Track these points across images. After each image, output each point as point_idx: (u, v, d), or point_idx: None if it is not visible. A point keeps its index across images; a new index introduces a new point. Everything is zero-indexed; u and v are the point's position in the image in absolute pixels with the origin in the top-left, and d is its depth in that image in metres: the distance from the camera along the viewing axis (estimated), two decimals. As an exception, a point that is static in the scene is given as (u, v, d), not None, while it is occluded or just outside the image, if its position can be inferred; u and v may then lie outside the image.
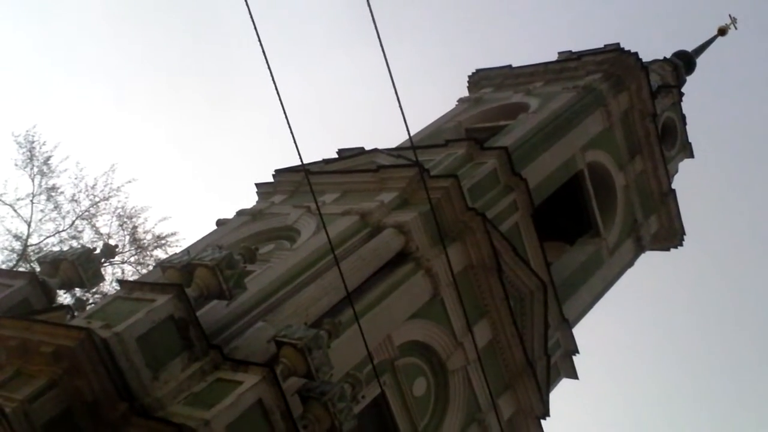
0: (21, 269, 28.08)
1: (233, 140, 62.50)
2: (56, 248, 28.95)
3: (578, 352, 19.72)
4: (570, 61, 23.18)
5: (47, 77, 57.86)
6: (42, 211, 32.04)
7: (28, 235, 31.52)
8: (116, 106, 60.60)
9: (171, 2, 58.40)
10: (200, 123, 63.18)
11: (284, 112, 9.45)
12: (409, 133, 10.56)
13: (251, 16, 8.91)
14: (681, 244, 23.96)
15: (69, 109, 55.44)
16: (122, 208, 32.57)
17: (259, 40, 9.04)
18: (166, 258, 14.07)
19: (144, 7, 57.45)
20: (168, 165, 61.15)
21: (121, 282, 13.03)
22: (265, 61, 9.13)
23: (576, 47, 24.03)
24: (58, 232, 31.87)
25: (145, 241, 32.58)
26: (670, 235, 23.66)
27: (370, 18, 9.28)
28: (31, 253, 30.84)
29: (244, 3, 8.87)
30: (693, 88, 26.64)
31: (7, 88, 52.61)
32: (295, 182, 19.31)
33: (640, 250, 22.53)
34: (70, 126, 53.73)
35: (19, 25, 52.19)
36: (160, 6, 58.13)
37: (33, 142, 32.32)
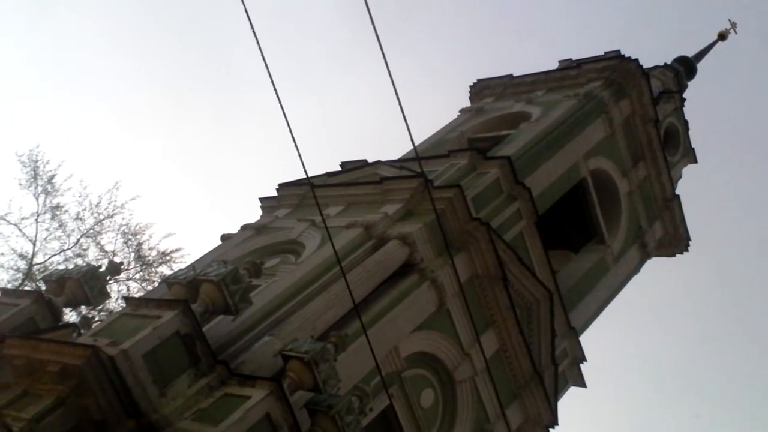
0: (26, 288, 28.11)
1: (237, 155, 62.65)
2: (61, 266, 28.96)
3: (586, 360, 19.68)
4: (571, 69, 23.22)
5: (50, 96, 58.14)
6: (47, 229, 32.09)
7: (33, 254, 31.57)
8: (120, 124, 60.76)
9: (174, 18, 58.62)
10: (203, 138, 63.37)
11: (288, 125, 9.47)
12: (413, 144, 10.58)
13: (253, 30, 8.95)
14: (686, 250, 23.92)
15: (72, 127, 55.66)
16: (127, 225, 32.62)
17: (261, 53, 9.08)
18: (172, 274, 14.08)
19: (147, 24, 57.72)
20: (172, 181, 61.20)
21: (127, 299, 13.04)
22: (267, 73, 9.16)
23: (576, 55, 24.10)
24: (63, 250, 31.91)
25: (150, 257, 32.61)
26: (675, 241, 23.63)
27: (372, 31, 9.31)
28: (37, 272, 30.86)
29: (247, 18, 8.91)
30: (694, 93, 26.70)
31: (9, 107, 52.77)
32: (299, 196, 19.34)
33: (645, 256, 22.49)
34: (73, 144, 53.90)
35: (21, 43, 52.45)
36: (164, 22, 58.30)
37: (37, 161, 32.38)
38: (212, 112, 62.20)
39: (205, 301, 12.21)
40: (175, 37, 60.02)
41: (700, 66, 27.06)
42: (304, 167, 10.05)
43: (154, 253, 32.56)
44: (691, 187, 26.30)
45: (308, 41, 62.34)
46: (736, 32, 27.41)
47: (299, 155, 9.76)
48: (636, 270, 22.32)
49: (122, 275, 30.45)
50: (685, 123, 24.16)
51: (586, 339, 20.07)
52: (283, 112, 9.46)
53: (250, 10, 8.82)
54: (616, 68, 21.61)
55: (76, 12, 53.67)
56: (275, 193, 20.16)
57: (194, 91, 63.33)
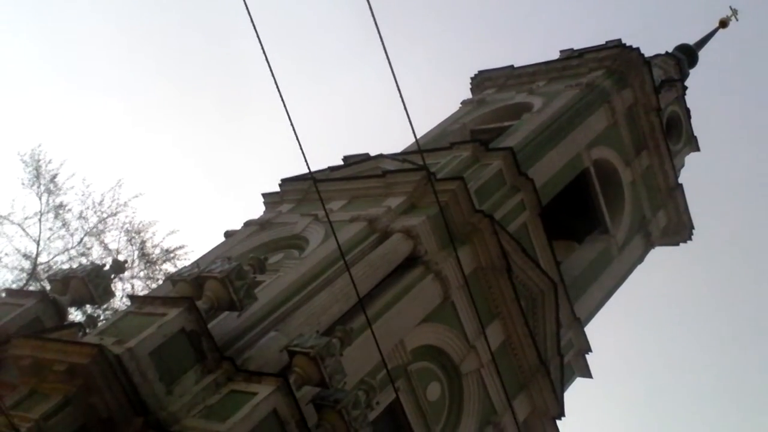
0: (31, 288, 28.08)
1: (241, 151, 62.60)
2: (66, 266, 28.89)
3: (591, 351, 19.67)
4: (572, 59, 23.17)
5: (53, 94, 58.02)
6: (50, 229, 32.00)
7: (37, 254, 31.50)
8: (121, 121, 60.64)
9: (178, 12, 58.42)
10: (207, 134, 63.33)
11: (289, 118, 9.44)
12: (415, 137, 10.54)
13: (252, 21, 8.92)
14: (690, 239, 23.89)
15: (75, 125, 55.63)
16: (130, 223, 32.51)
17: (261, 46, 9.05)
18: (176, 271, 14.09)
19: (154, 22, 57.52)
20: (175, 178, 61.25)
21: (132, 297, 13.05)
22: (268, 66, 9.13)
23: (577, 45, 24.06)
24: (67, 249, 31.84)
25: (153, 255, 32.53)
26: (679, 230, 23.58)
27: (374, 23, 9.26)
28: (41, 272, 30.82)
29: (247, 11, 8.88)
30: (696, 81, 26.62)
31: (10, 106, 52.73)
32: (302, 191, 19.32)
33: (649, 245, 22.46)
34: (76, 142, 53.92)
35: (19, 40, 52.40)
36: (170, 19, 58.17)
37: (39, 160, 32.26)
38: (216, 108, 62.24)
39: (210, 298, 12.20)
40: (180, 32, 59.89)
41: (702, 54, 26.97)
42: (306, 162, 10.00)
43: (157, 250, 32.52)
44: (694, 175, 26.27)
45: (309, 34, 62.25)
46: (737, 19, 27.31)
47: (301, 149, 9.72)
48: (640, 259, 22.28)
49: (126, 273, 30.37)
50: (688, 111, 24.07)
51: (591, 329, 20.09)
52: (284, 106, 9.43)
53: (254, 3, 8.79)
54: (617, 57, 21.55)
55: (78, 8, 53.59)
56: (278, 189, 20.14)
57: (198, 86, 63.22)
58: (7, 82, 50.86)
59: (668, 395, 49.53)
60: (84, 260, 30.81)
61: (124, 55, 58.17)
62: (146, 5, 55.61)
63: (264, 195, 20.35)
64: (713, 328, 53.52)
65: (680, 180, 23.34)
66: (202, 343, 11.59)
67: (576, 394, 20.29)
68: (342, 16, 59.66)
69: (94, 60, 56.62)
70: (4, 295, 14.39)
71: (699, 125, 24.41)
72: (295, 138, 9.59)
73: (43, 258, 31.66)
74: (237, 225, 19.32)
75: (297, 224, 17.68)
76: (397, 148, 20.93)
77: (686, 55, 26.20)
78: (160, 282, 27.64)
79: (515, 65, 24.55)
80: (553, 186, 19.21)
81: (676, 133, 23.65)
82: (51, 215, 32.10)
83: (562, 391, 18.21)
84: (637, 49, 21.65)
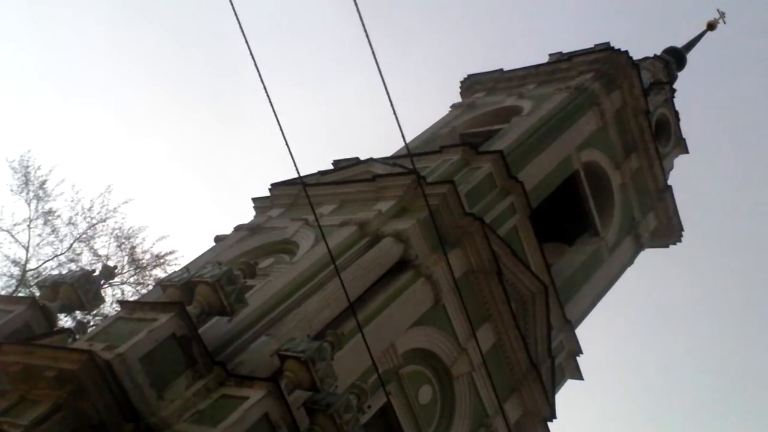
0: (21, 294, 27.98)
1: (231, 156, 62.52)
2: (55, 272, 28.87)
3: (582, 353, 19.71)
4: (561, 62, 23.25)
5: (43, 99, 57.81)
6: (39, 235, 31.98)
7: (27, 260, 31.46)
8: (109, 127, 60.54)
9: (173, 19, 58.33)
10: (197, 139, 63.21)
11: (278, 123, 9.45)
12: (405, 141, 10.56)
13: (240, 26, 8.94)
14: (680, 240, 24.00)
15: (64, 131, 55.45)
16: (120, 228, 32.52)
17: (250, 51, 9.06)
18: (166, 277, 14.07)
19: (145, 26, 57.48)
20: (165, 183, 61.15)
21: (122, 303, 13.00)
22: (256, 70, 9.14)
23: (566, 48, 24.15)
24: (57, 255, 31.80)
25: (144, 260, 32.51)
26: (669, 232, 23.70)
27: (363, 29, 9.29)
28: (31, 278, 30.75)
29: (235, 17, 8.89)
30: (684, 83, 26.76)
31: (1, 111, 52.50)
32: (292, 195, 19.30)
33: (639, 247, 22.55)
34: (65, 148, 53.78)
35: (11, 44, 52.20)
36: (162, 23, 58.04)
37: (28, 167, 32.29)
38: (207, 112, 62.12)
39: (201, 303, 12.18)
40: (172, 36, 59.83)
41: (690, 56, 27.12)
42: (296, 166, 10.03)
43: (147, 256, 32.51)
44: (684, 177, 26.39)
45: (300, 39, 62.28)
46: (724, 22, 27.52)
47: (291, 154, 9.75)
48: (630, 261, 22.37)
49: (116, 279, 30.35)
50: (676, 114, 24.21)
51: (582, 332, 20.14)
52: (273, 111, 9.44)
53: (248, 10, 8.82)
54: (606, 60, 21.64)
55: (70, 12, 53.43)
56: (268, 193, 20.11)
57: (189, 91, 63.14)
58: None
59: (659, 396, 49.69)
60: (73, 266, 30.74)
61: (116, 60, 58.08)
62: (138, 10, 55.53)
63: (254, 200, 20.33)
64: (703, 329, 53.78)
65: (669, 182, 23.47)
66: (192, 348, 11.56)
67: (567, 395, 20.35)
68: (333, 20, 59.70)
69: (85, 65, 56.60)
70: (-7, 301, 14.32)
71: (688, 127, 24.61)
72: (285, 143, 9.61)
73: (32, 264, 31.63)
74: (227, 230, 19.33)
75: (287, 229, 17.67)
76: (387, 152, 21.00)
77: (674, 58, 26.36)
78: (151, 287, 27.60)
79: (505, 69, 24.62)
80: (543, 189, 19.26)
81: (665, 136, 23.77)
82: (40, 221, 32.10)
83: (554, 393, 18.25)
84: (626, 52, 21.75)
